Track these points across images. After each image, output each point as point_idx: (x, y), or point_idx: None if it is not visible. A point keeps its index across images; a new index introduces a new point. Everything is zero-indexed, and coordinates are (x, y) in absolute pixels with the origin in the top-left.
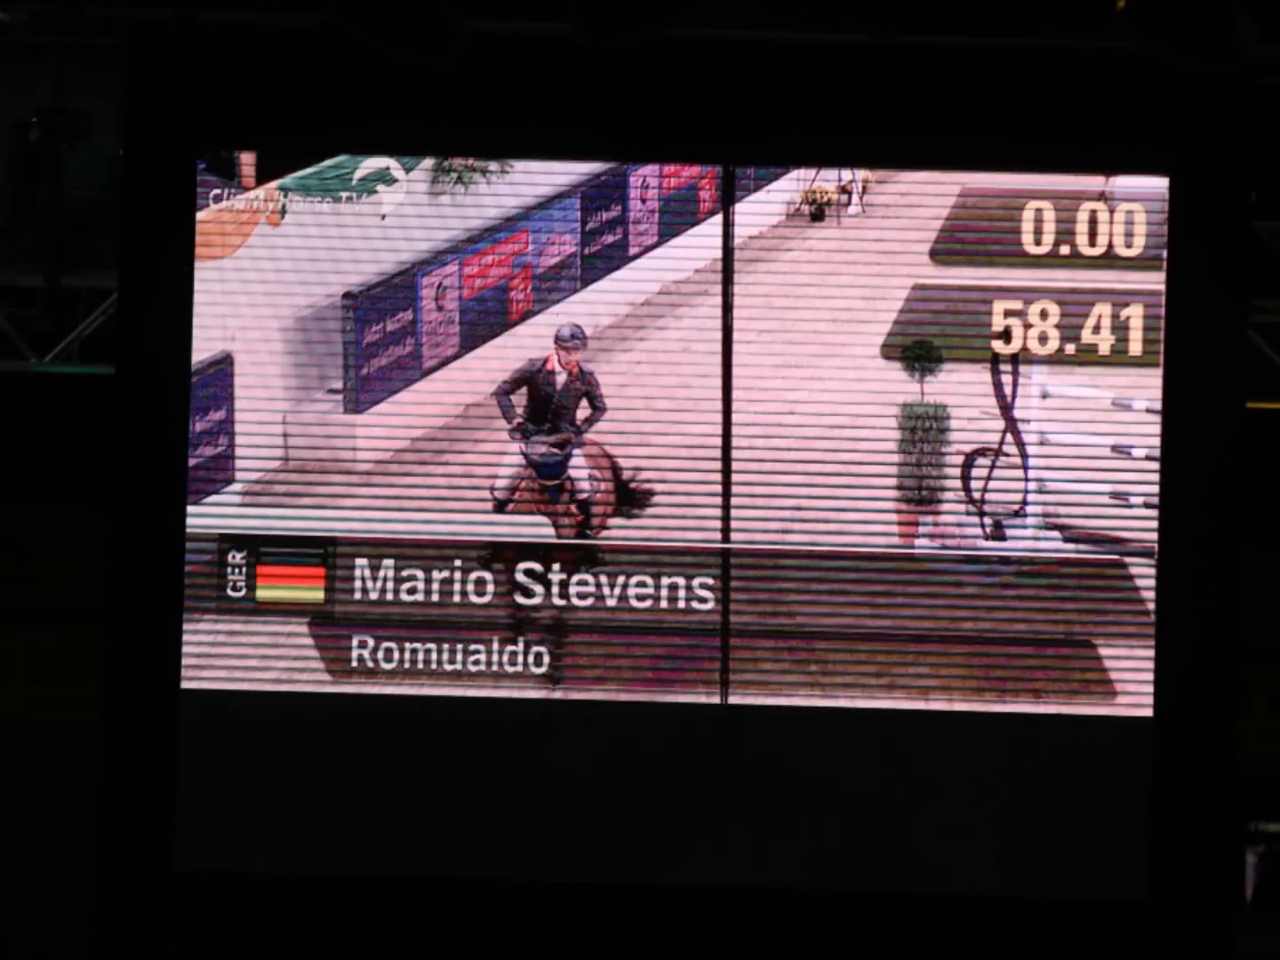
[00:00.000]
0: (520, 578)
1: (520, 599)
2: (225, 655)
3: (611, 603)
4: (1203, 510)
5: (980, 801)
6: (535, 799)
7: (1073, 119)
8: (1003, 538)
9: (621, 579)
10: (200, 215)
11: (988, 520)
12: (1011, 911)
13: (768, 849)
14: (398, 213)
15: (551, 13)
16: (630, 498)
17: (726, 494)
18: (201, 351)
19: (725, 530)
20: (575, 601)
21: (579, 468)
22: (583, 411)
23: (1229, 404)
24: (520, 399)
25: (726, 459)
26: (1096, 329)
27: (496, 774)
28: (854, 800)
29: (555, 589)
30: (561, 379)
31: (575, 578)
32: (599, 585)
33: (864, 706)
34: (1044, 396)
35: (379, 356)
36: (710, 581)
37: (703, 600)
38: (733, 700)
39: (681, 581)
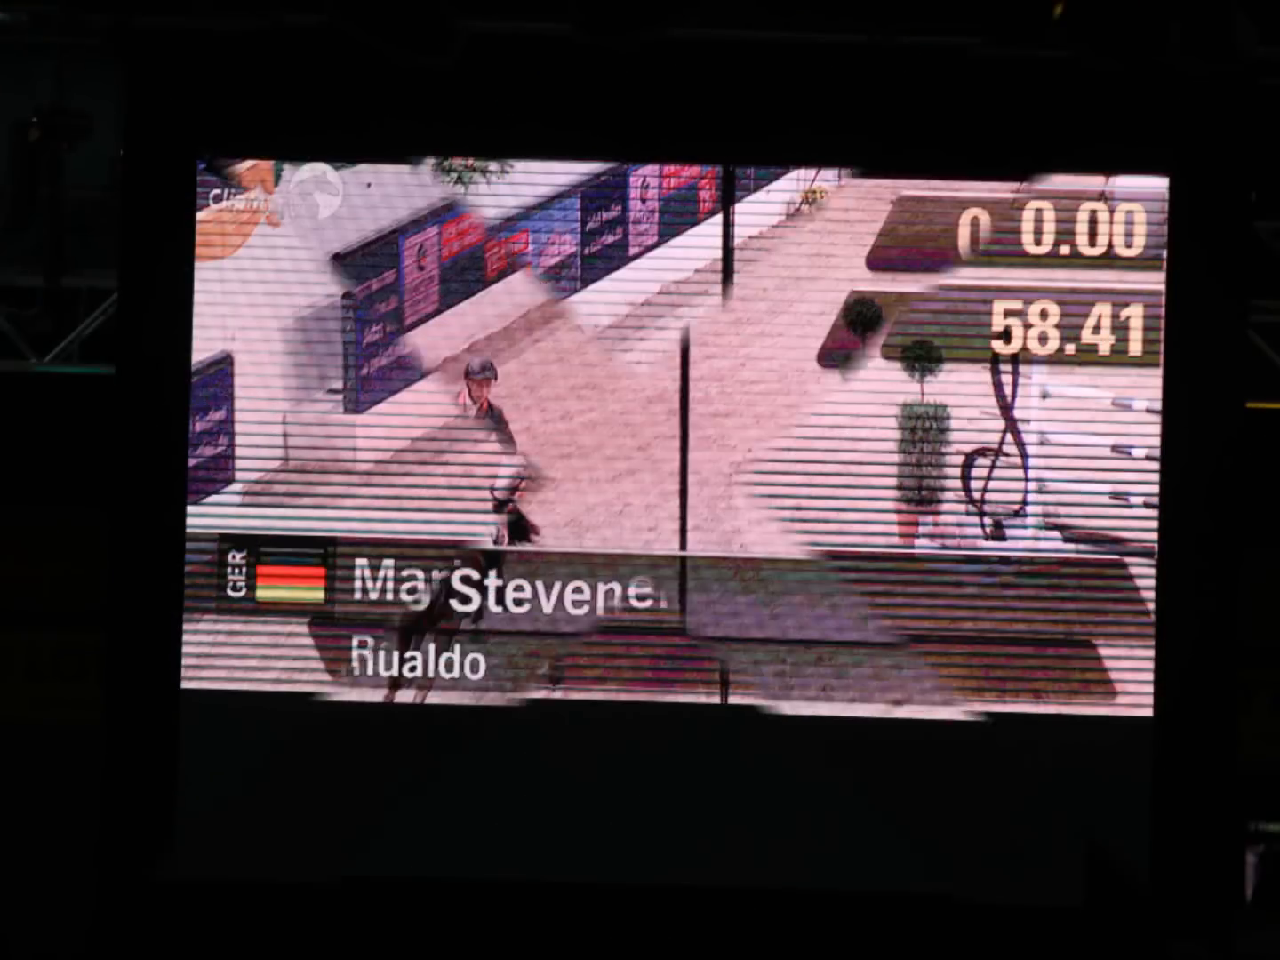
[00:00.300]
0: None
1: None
2: (225, 655)
3: (613, 606)
4: (1203, 510)
5: (980, 802)
6: (535, 799)
7: (1074, 120)
8: (1003, 538)
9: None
10: (200, 215)
11: (988, 520)
12: (1010, 912)
13: (767, 849)
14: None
15: (551, 13)
16: (524, 534)
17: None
18: (201, 351)
19: (683, 537)
20: (512, 608)
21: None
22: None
23: (1229, 404)
24: None
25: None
26: (1096, 329)
27: (496, 774)
28: (853, 800)
29: (509, 595)
30: (471, 414)
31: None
32: (593, 590)
33: (862, 707)
34: (1044, 396)
35: (379, 356)
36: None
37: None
38: (733, 700)
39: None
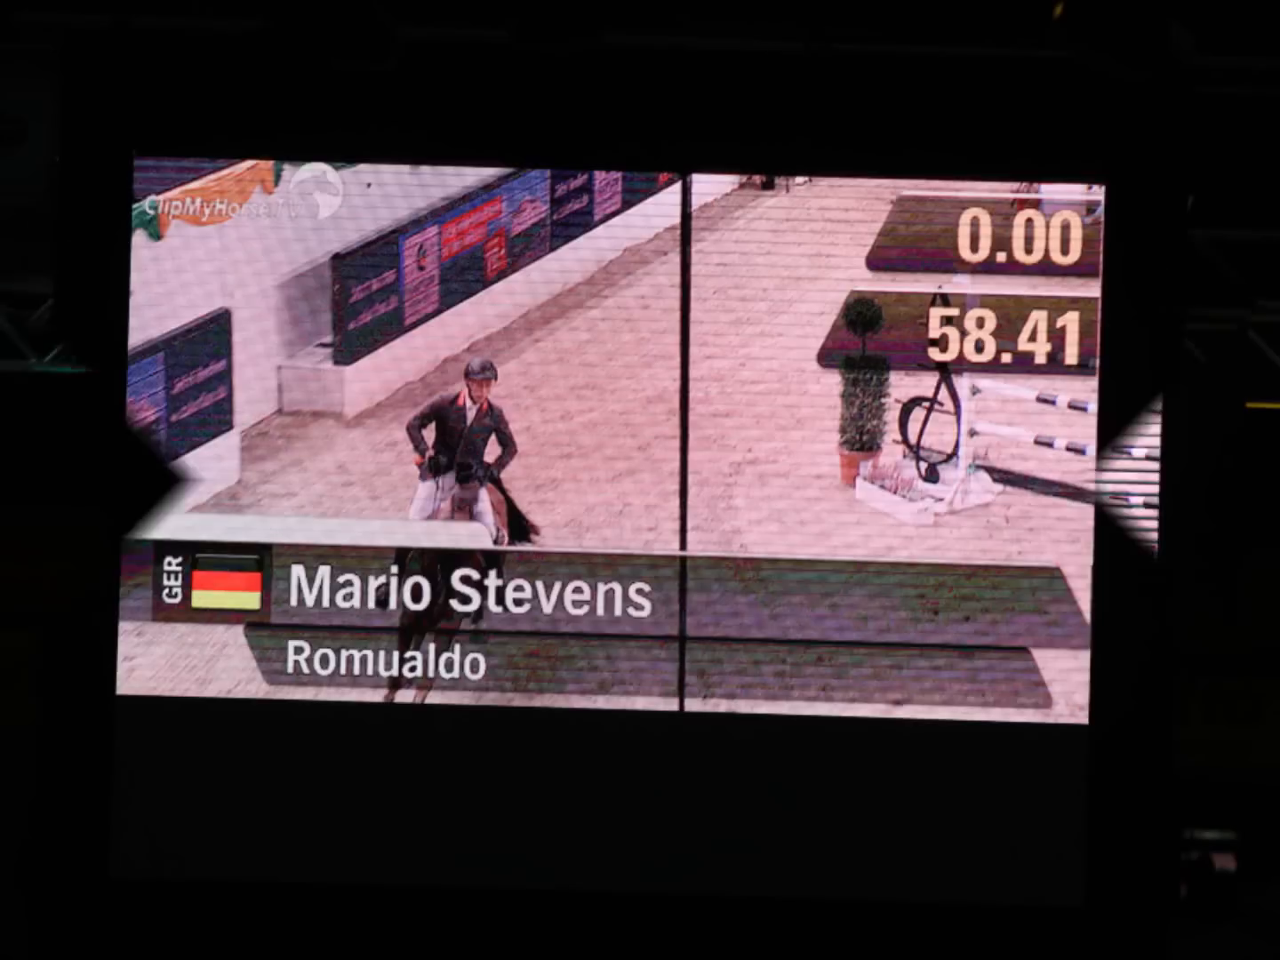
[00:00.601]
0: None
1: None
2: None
3: (548, 608)
4: (1202, 511)
5: (979, 802)
6: (535, 802)
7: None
8: (936, 479)
9: (557, 585)
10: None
11: (923, 464)
12: (1010, 912)
13: (766, 852)
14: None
15: (488, 20)
16: (524, 534)
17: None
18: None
19: (683, 537)
20: (512, 608)
21: (483, 513)
22: (494, 449)
23: (1231, 404)
24: (430, 433)
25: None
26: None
27: (494, 775)
28: (819, 807)
29: (509, 595)
30: (471, 414)
31: (512, 583)
32: (535, 591)
33: (862, 707)
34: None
35: (364, 313)
36: (656, 587)
37: (643, 607)
38: (728, 703)
39: (633, 588)
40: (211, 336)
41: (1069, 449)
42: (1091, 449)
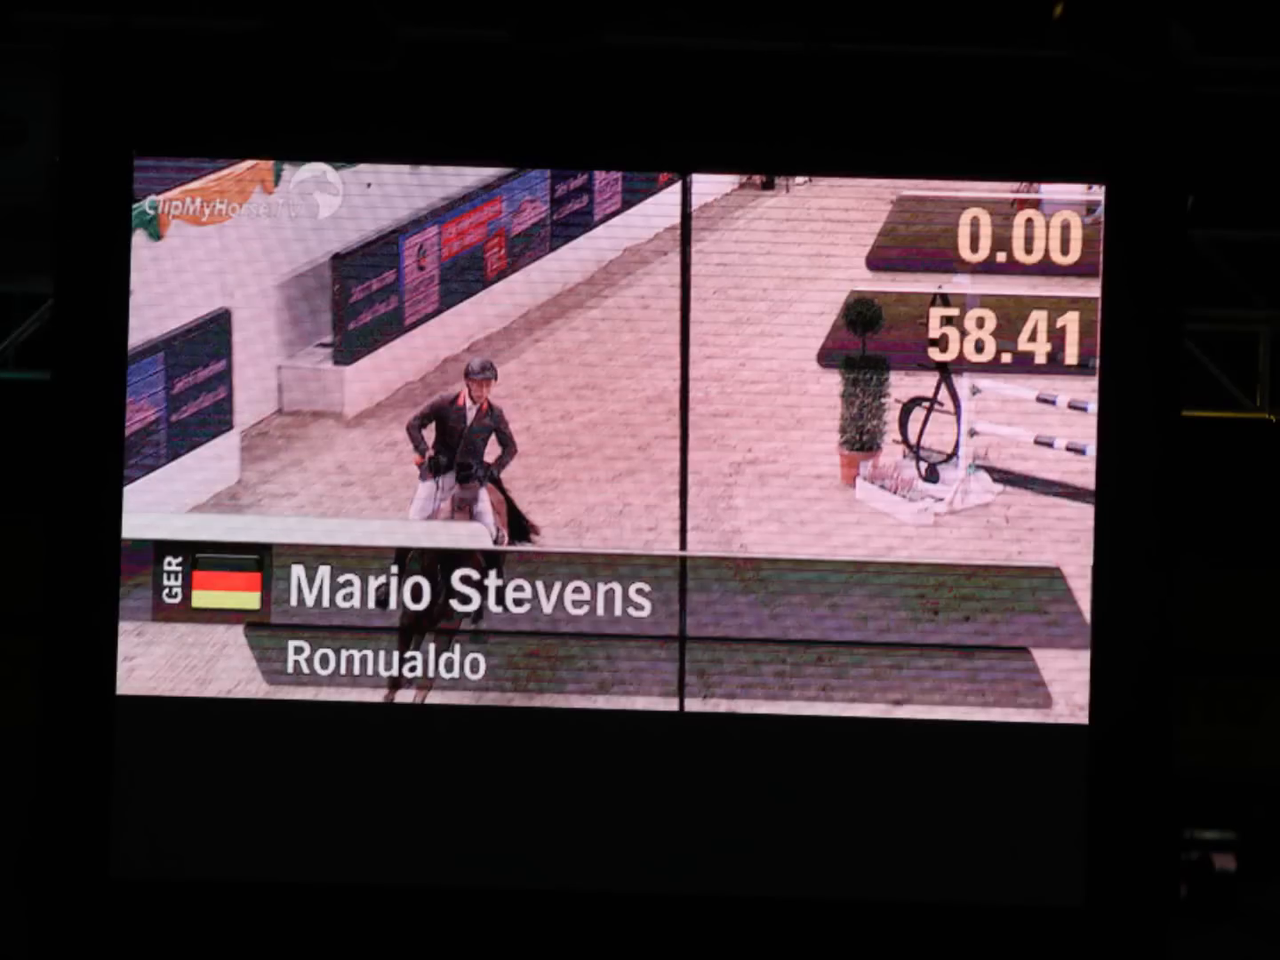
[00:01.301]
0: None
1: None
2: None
3: (548, 608)
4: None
5: (978, 802)
6: (484, 803)
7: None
8: (936, 479)
9: (557, 585)
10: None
11: (923, 464)
12: (1010, 912)
13: (767, 853)
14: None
15: (488, 19)
16: (524, 534)
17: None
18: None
19: (683, 537)
20: (512, 608)
21: (483, 513)
22: (494, 449)
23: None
24: (430, 433)
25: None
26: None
27: (495, 775)
28: (819, 807)
29: (509, 595)
30: (471, 413)
31: (512, 583)
32: (535, 591)
33: (862, 707)
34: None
35: (364, 313)
36: (656, 587)
37: (643, 607)
38: (728, 704)
39: (633, 588)
40: (211, 336)
41: (1069, 449)
42: (1091, 449)
